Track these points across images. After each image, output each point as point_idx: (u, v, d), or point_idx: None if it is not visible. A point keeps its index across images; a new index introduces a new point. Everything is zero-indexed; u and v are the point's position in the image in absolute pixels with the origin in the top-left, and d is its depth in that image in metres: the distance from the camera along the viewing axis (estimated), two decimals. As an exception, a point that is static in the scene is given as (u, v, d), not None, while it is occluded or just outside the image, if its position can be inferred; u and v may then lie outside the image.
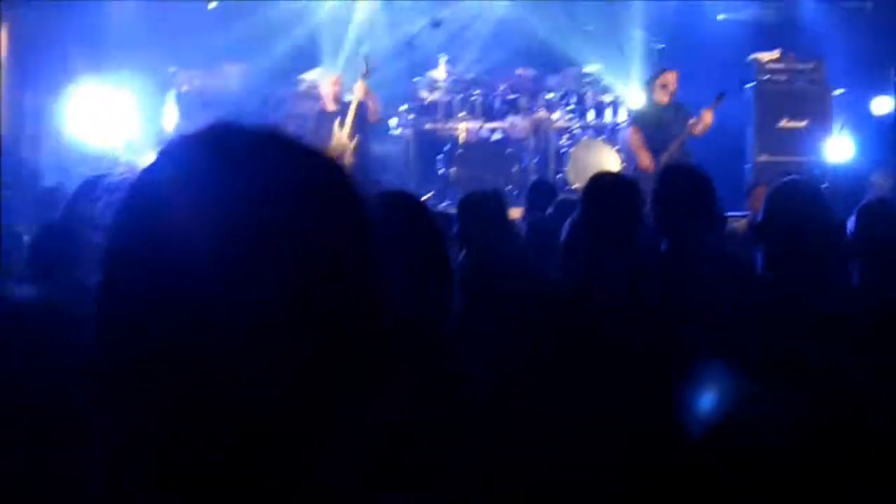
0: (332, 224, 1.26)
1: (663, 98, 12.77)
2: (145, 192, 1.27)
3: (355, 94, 12.90)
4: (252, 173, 1.24)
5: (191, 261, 1.20)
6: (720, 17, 16.55)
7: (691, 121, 12.52)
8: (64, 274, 3.39)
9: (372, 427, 1.28)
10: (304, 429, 1.23)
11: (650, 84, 13.03)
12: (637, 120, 13.07)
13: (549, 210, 7.09)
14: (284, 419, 1.21)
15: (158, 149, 1.31)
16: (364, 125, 13.00)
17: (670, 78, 12.81)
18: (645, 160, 12.53)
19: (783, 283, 4.11)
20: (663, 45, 14.56)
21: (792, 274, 4.11)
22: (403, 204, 3.31)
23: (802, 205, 4.22)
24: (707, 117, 12.55)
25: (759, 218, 4.30)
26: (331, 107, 13.08)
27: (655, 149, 12.48)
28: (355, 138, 12.81)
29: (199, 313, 1.19)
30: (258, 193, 1.23)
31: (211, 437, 1.20)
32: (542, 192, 8.81)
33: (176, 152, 1.29)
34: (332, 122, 12.85)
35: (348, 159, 12.38)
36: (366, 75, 12.97)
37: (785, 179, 4.56)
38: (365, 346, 1.26)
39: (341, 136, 12.69)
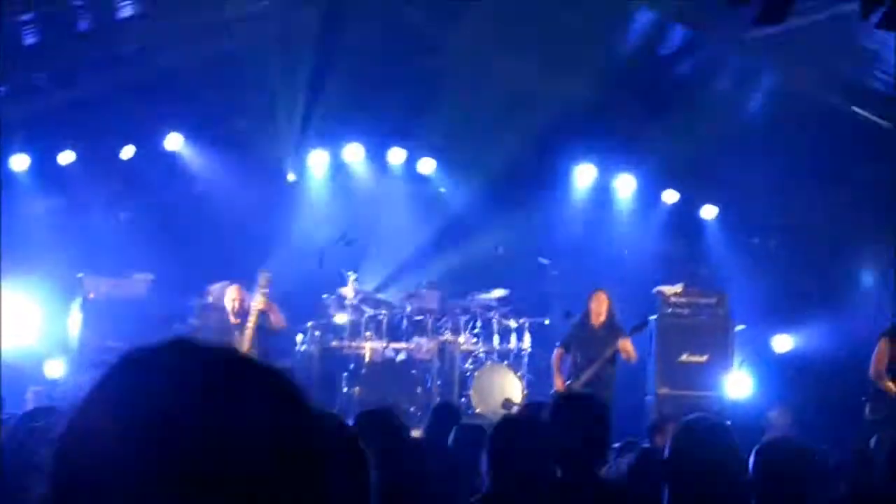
0: (282, 452, 1.28)
1: (598, 317, 13.10)
2: (82, 435, 1.27)
3: (254, 306, 12.89)
4: (208, 392, 1.27)
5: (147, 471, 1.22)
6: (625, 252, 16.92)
7: (611, 346, 12.83)
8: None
9: None
10: None
11: (586, 305, 13.28)
12: (565, 342, 13.33)
13: (451, 437, 7.03)
14: None
15: (92, 380, 1.31)
16: (266, 336, 12.97)
17: (601, 297, 13.15)
18: (558, 383, 12.99)
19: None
20: (548, 261, 14.86)
21: None
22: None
23: (708, 445, 4.21)
24: (625, 344, 12.97)
25: (666, 455, 4.27)
26: (233, 320, 13.03)
27: (579, 368, 12.84)
28: (254, 348, 12.71)
29: None
30: (219, 413, 1.25)
31: None
32: (445, 415, 8.76)
33: (108, 388, 1.30)
34: (230, 333, 12.79)
35: None
36: (264, 288, 12.99)
37: (690, 418, 4.55)
38: None
39: (244, 342, 12.61)
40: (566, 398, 5.69)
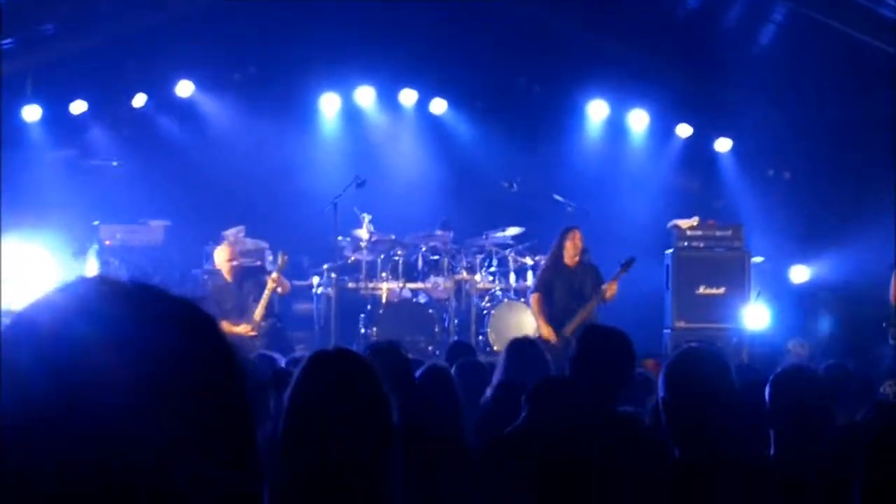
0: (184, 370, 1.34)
1: (573, 257, 12.66)
2: (35, 318, 1.34)
3: (269, 285, 13.02)
4: (114, 321, 1.32)
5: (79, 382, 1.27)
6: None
7: (602, 288, 12.44)
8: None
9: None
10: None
11: (559, 244, 12.84)
12: (541, 286, 12.88)
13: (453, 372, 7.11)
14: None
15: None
16: (275, 301, 13.30)
17: (577, 235, 12.72)
18: (545, 332, 12.37)
19: (694, 465, 4.06)
20: (574, 206, 14.70)
21: (701, 452, 4.07)
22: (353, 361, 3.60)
23: (702, 377, 4.16)
24: (613, 286, 12.41)
25: (661, 395, 4.23)
26: (228, 279, 13.17)
27: (566, 311, 12.44)
28: (267, 320, 12.97)
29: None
30: (117, 338, 1.31)
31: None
32: (461, 354, 8.79)
33: (65, 292, 1.36)
34: (233, 291, 13.06)
35: (258, 338, 12.55)
36: (282, 268, 13.17)
37: (679, 351, 4.52)
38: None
39: (256, 316, 12.81)
40: (594, 328, 5.65)
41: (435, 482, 4.72)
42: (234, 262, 13.16)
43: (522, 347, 7.40)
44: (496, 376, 6.93)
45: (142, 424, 1.27)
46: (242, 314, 12.88)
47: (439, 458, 4.88)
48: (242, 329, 12.56)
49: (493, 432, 5.48)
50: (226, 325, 12.07)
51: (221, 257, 13.28)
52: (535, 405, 4.90)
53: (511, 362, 7.01)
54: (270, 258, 14.32)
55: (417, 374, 5.49)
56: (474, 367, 7.25)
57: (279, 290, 13.17)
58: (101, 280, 1.39)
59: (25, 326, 1.33)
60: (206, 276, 14.64)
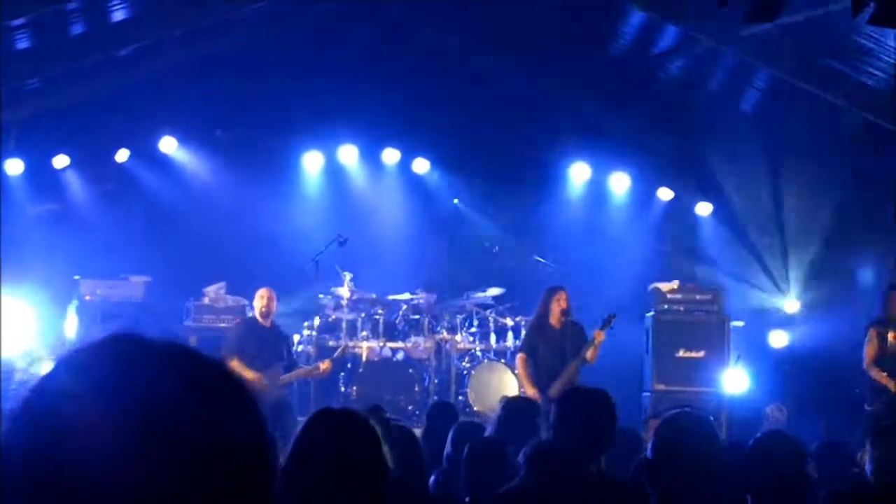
0: (222, 435, 1.31)
1: (558, 318, 12.45)
2: (42, 399, 1.30)
3: (317, 369, 13.02)
4: (148, 383, 1.29)
5: (87, 465, 1.24)
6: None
7: (586, 346, 12.21)
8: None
9: None
10: None
11: (544, 304, 12.64)
12: (527, 346, 12.67)
13: (450, 433, 7.08)
14: None
15: (56, 358, 1.34)
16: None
17: (562, 296, 12.54)
18: (531, 393, 12.11)
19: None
20: (555, 267, 14.71)
21: None
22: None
23: (690, 442, 4.16)
24: (598, 336, 12.22)
25: (649, 456, 4.24)
26: (264, 323, 12.93)
27: (551, 371, 12.30)
28: (283, 390, 12.78)
29: None
30: (153, 402, 1.28)
31: None
32: (442, 414, 8.78)
33: (73, 362, 1.33)
34: (266, 338, 12.77)
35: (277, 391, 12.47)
36: (338, 356, 13.26)
37: (671, 414, 4.52)
38: None
39: (288, 378, 12.75)
40: (577, 390, 5.63)
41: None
42: (270, 306, 12.90)
43: (513, 406, 7.41)
44: (487, 432, 6.96)
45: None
46: (263, 363, 12.54)
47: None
48: (253, 376, 12.09)
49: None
50: (236, 364, 11.93)
51: (260, 298, 13.05)
52: (533, 468, 4.90)
53: (505, 420, 7.04)
54: (250, 314, 14.15)
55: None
56: (472, 427, 7.27)
57: (315, 374, 13.15)
58: (110, 341, 1.37)
59: (27, 406, 1.32)
60: (187, 332, 14.58)
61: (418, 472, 5.34)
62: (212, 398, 1.32)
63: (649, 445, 4.22)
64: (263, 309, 12.87)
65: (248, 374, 12.00)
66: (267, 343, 12.70)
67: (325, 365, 13.01)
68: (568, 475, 4.85)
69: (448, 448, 6.90)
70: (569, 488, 4.74)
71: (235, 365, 11.78)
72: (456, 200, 15.95)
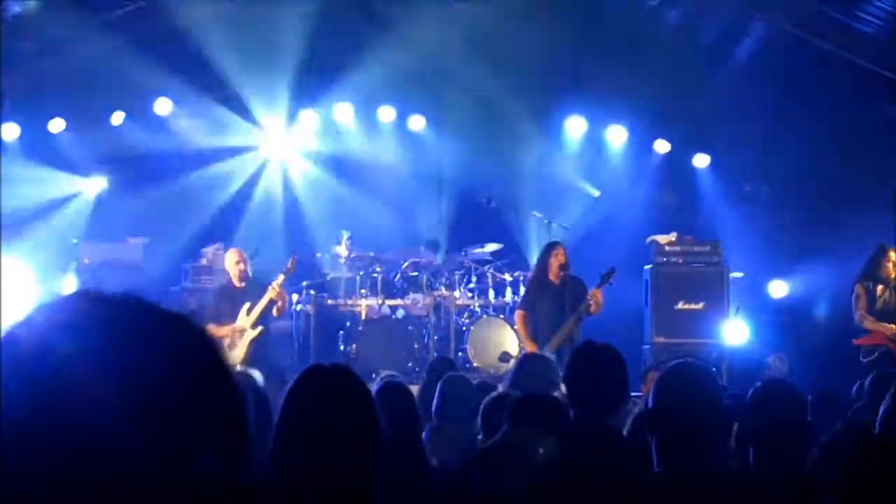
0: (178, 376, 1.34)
1: (557, 273, 12.39)
2: (20, 339, 1.33)
3: (269, 291, 12.55)
4: (116, 335, 1.33)
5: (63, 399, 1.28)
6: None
7: (586, 299, 12.21)
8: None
9: None
10: None
11: (543, 260, 12.64)
12: (526, 302, 12.69)
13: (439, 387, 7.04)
14: None
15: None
16: (268, 316, 12.74)
17: (560, 251, 12.51)
18: (530, 348, 12.06)
19: (677, 478, 4.06)
20: (549, 221, 14.65)
21: (685, 465, 4.07)
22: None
23: (691, 391, 4.16)
24: (596, 295, 12.21)
25: (650, 406, 4.24)
26: (238, 284, 12.84)
27: (551, 327, 12.21)
28: (259, 328, 12.43)
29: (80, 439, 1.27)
30: (121, 353, 1.31)
31: None
32: (443, 369, 8.78)
33: (48, 311, 1.36)
34: (238, 298, 12.59)
35: (246, 345, 12.25)
36: (289, 270, 12.78)
37: (672, 364, 4.52)
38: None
39: (248, 321, 12.44)
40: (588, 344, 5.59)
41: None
42: (243, 266, 12.79)
43: (533, 362, 7.41)
44: (501, 388, 6.95)
45: (125, 437, 1.27)
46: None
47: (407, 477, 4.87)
48: (224, 331, 12.06)
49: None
50: (212, 328, 11.77)
51: (230, 260, 12.85)
52: (515, 421, 4.90)
53: (518, 376, 7.05)
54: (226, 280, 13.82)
55: (374, 389, 5.47)
56: (461, 381, 7.24)
57: (275, 310, 12.65)
58: (82, 295, 1.39)
59: (7, 346, 1.33)
60: (185, 294, 14.59)
61: (412, 427, 5.32)
62: (158, 345, 1.35)
63: (650, 395, 4.22)
64: (235, 270, 12.67)
65: (222, 331, 11.97)
66: (240, 304, 12.50)
67: (275, 284, 12.56)
68: (547, 423, 4.87)
69: (437, 401, 6.88)
70: (548, 437, 4.76)
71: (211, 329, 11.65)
72: (485, 200, 15.69)
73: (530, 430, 4.86)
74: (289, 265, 12.77)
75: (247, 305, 12.39)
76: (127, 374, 1.29)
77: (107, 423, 1.27)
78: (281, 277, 12.57)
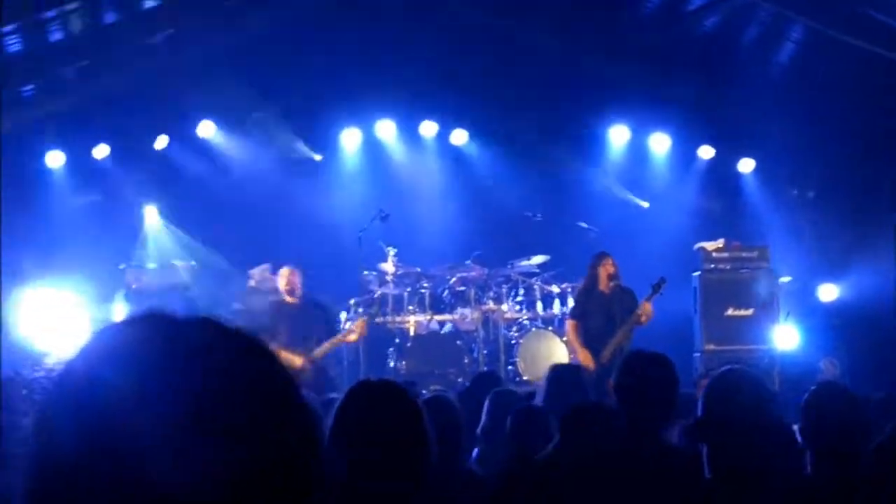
0: (263, 417, 1.29)
1: (607, 283, 12.55)
2: (77, 371, 1.30)
3: (356, 330, 12.82)
4: (184, 359, 1.29)
5: (122, 436, 1.23)
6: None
7: (637, 311, 12.35)
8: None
9: None
10: None
11: (592, 271, 12.77)
12: (577, 312, 12.81)
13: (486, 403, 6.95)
14: None
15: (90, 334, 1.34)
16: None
17: (609, 262, 12.64)
18: (583, 357, 12.25)
19: (729, 486, 4.03)
20: (596, 231, 14.66)
21: (737, 472, 4.04)
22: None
23: (740, 397, 4.13)
24: (647, 307, 12.34)
25: (699, 414, 4.21)
26: (289, 299, 12.89)
27: (601, 337, 12.33)
28: (319, 361, 12.58)
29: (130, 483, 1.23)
30: (189, 378, 1.27)
31: None
32: (489, 384, 8.73)
33: (106, 337, 1.34)
34: (293, 315, 12.64)
35: (311, 368, 12.28)
36: (374, 315, 13.05)
37: (720, 371, 4.49)
38: None
39: (320, 351, 12.52)
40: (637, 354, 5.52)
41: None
42: (294, 283, 12.74)
43: (563, 374, 7.37)
44: (537, 402, 6.91)
45: (182, 464, 1.23)
46: (299, 342, 12.40)
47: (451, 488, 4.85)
48: (297, 360, 12.08)
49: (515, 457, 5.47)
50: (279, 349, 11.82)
51: (282, 276, 12.99)
52: (569, 431, 4.87)
53: (552, 388, 7.00)
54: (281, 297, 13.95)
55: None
56: (508, 395, 7.18)
57: (351, 338, 12.94)
58: (145, 319, 1.36)
59: (64, 377, 1.31)
60: (234, 316, 14.62)
61: (455, 440, 5.27)
62: (221, 368, 1.31)
63: (699, 403, 4.19)
64: (287, 287, 12.81)
65: (297, 361, 12.04)
66: (297, 321, 12.57)
67: (357, 327, 12.86)
68: (615, 438, 4.82)
69: (484, 420, 6.80)
70: (603, 450, 4.72)
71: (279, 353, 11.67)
72: (531, 214, 15.66)
73: (582, 441, 4.83)
74: (374, 311, 13.43)
75: (311, 329, 12.52)
76: (191, 400, 1.26)
77: (172, 450, 1.24)
78: (361, 327, 12.87)
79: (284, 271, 12.92)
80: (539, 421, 6.07)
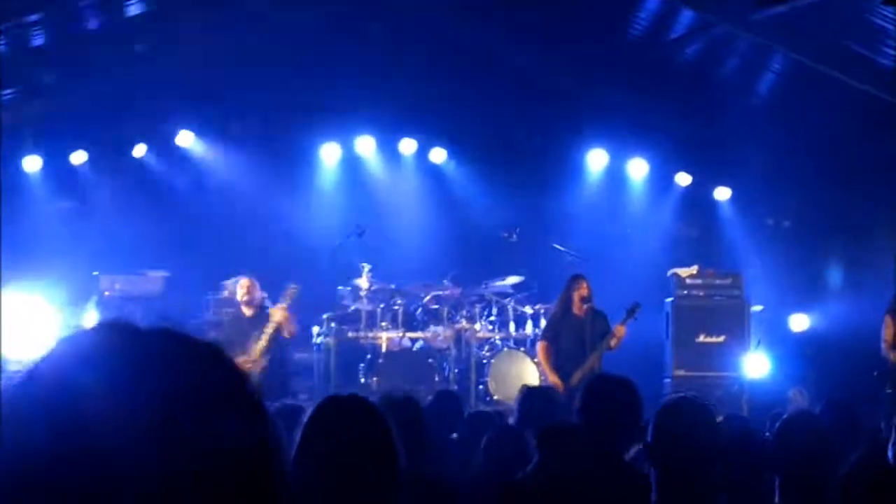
0: (213, 424, 1.30)
1: (581, 306, 12.54)
2: (42, 374, 1.31)
3: (274, 318, 12.64)
4: (140, 366, 1.30)
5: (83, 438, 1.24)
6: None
7: (608, 336, 12.38)
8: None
9: None
10: None
11: (566, 293, 12.75)
12: (549, 334, 12.80)
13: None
14: None
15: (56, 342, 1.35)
16: (280, 345, 12.75)
17: (584, 285, 12.63)
18: (553, 380, 12.26)
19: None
20: (574, 255, 14.69)
21: (682, 496, 4.13)
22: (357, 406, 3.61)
23: (686, 424, 4.24)
24: (620, 331, 12.41)
25: (648, 440, 4.31)
26: (246, 311, 12.91)
27: (573, 359, 12.35)
28: (267, 356, 12.44)
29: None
30: (144, 384, 1.28)
31: None
32: (446, 401, 8.73)
33: (69, 343, 1.34)
34: (247, 326, 12.61)
35: (257, 373, 12.12)
36: (288, 300, 12.78)
37: (670, 399, 4.58)
38: None
39: (256, 350, 12.44)
40: (602, 378, 5.61)
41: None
42: (251, 295, 12.72)
43: (534, 395, 7.41)
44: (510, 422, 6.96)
45: (147, 469, 1.24)
46: (245, 351, 12.31)
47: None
48: (247, 365, 11.92)
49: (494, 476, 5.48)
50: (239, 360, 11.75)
51: (242, 287, 12.93)
52: (547, 451, 4.90)
53: (524, 409, 7.04)
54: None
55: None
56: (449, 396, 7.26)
57: (285, 332, 12.68)
58: (108, 326, 1.38)
59: (29, 381, 1.32)
60: (206, 326, 14.59)
61: (420, 440, 5.26)
62: (182, 374, 1.32)
63: (649, 429, 4.31)
64: (244, 298, 12.79)
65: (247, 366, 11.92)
66: (249, 333, 12.51)
67: (280, 309, 12.67)
68: (587, 459, 4.87)
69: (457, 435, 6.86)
70: (578, 467, 4.78)
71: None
72: (506, 234, 15.66)
73: (561, 461, 4.86)
74: (288, 294, 12.81)
75: (255, 334, 12.45)
76: (153, 406, 1.27)
77: (133, 455, 1.25)
78: (281, 308, 12.65)
79: (244, 281, 12.89)
80: (515, 440, 6.10)
